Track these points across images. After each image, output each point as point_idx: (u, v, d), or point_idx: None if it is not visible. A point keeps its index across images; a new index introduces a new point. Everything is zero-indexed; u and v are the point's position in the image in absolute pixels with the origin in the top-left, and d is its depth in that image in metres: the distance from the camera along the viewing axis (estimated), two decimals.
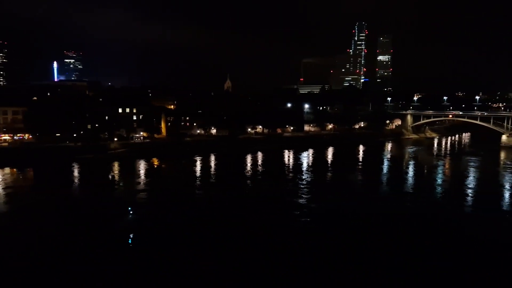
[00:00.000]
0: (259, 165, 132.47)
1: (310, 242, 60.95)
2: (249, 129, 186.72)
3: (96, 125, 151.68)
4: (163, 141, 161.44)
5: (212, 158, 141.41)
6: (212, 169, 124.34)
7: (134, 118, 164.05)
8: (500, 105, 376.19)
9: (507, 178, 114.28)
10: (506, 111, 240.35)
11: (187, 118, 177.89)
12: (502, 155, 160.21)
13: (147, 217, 74.04)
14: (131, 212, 77.09)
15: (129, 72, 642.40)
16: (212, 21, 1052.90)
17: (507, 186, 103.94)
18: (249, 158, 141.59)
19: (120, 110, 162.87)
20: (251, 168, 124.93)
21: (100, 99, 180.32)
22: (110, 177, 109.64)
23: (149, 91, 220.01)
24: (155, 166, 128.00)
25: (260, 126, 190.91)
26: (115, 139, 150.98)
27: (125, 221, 72.54)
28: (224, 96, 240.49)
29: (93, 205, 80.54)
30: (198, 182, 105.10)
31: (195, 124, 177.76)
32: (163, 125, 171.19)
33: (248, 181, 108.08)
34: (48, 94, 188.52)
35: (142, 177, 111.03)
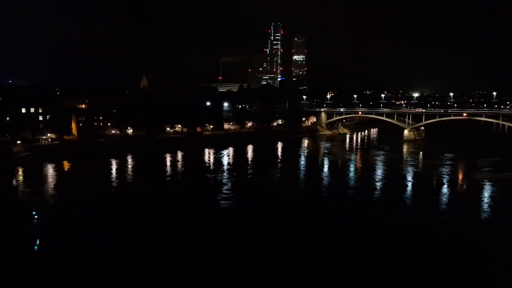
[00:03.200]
0: (179, 165, 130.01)
1: (227, 239, 61.20)
2: (167, 128, 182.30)
3: None
4: (74, 142, 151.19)
5: (129, 159, 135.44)
6: (129, 171, 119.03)
7: (41, 118, 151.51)
8: (402, 102, 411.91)
9: (409, 169, 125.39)
10: (408, 107, 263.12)
11: (101, 117, 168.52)
12: (405, 148, 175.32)
13: (54, 222, 69.60)
14: (36, 217, 71.09)
15: (35, 70, 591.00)
16: (127, 15, 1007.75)
17: (409, 176, 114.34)
18: (168, 158, 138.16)
19: (23, 110, 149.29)
20: (170, 169, 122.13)
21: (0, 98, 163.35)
22: (13, 183, 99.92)
23: (57, 89, 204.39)
24: (65, 170, 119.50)
25: (179, 125, 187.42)
26: (18, 142, 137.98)
27: (31, 227, 67.23)
28: (140, 95, 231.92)
29: None
30: (112, 185, 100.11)
31: (109, 124, 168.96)
32: (73, 125, 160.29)
33: (166, 182, 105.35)
34: None
35: (50, 181, 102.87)
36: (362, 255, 55.67)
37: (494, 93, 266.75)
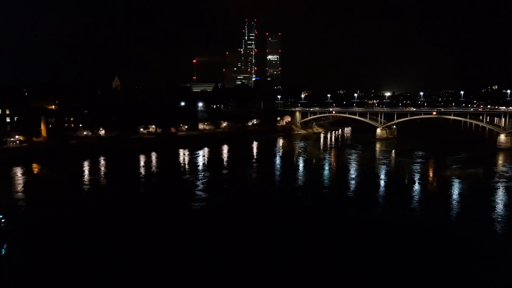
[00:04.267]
0: (153, 166, 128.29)
1: (204, 238, 60.90)
2: (141, 129, 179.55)
3: None
4: (44, 144, 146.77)
5: (101, 161, 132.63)
6: (101, 173, 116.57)
7: (8, 120, 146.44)
8: (375, 101, 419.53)
9: (381, 167, 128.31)
10: (380, 107, 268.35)
11: (72, 119, 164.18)
12: (377, 146, 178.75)
13: (22, 226, 67.69)
14: (3, 221, 68.66)
15: (1, 71, 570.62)
16: (98, 13, 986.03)
17: (381, 175, 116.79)
18: (142, 160, 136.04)
19: None
20: (144, 170, 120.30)
21: None
22: None
23: (25, 89, 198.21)
24: (34, 173, 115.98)
25: (153, 126, 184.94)
26: None
27: None
28: (112, 95, 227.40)
29: None
30: (83, 188, 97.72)
31: (81, 125, 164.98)
32: (43, 127, 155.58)
33: (139, 184, 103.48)
34: None
35: (18, 185, 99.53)
36: (335, 253, 56.37)
37: (462, 92, 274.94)
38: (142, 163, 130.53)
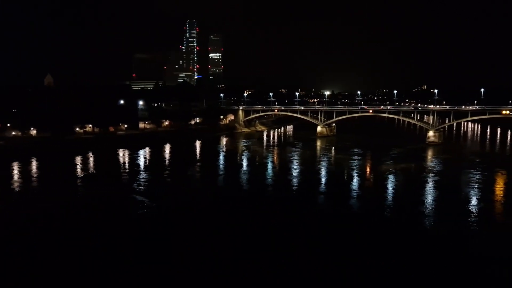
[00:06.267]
0: (89, 167, 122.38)
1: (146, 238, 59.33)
2: (77, 129, 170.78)
3: None
4: None
5: (33, 162, 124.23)
6: (31, 176, 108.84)
7: None
8: (315, 100, 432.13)
9: (322, 164, 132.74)
10: (320, 105, 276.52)
11: None
12: (318, 143, 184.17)
13: None
14: None
15: None
16: (29, 7, 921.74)
17: (322, 171, 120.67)
18: (78, 161, 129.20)
19: None
20: (80, 172, 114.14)
21: None
22: None
23: None
24: None
25: (90, 125, 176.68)
26: None
27: None
28: (44, 92, 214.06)
29: None
30: (10, 192, 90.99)
31: (9, 125, 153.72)
32: None
33: (74, 187, 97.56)
34: None
35: None
36: (274, 250, 57.25)
37: (395, 92, 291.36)
38: (78, 164, 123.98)
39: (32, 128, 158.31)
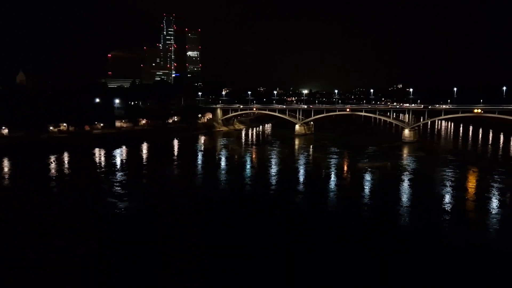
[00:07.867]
0: (64, 167, 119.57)
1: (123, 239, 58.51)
2: (51, 128, 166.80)
3: None
4: None
5: (5, 163, 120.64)
6: (3, 175, 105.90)
7: None
8: (293, 98, 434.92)
9: (300, 162, 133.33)
10: (298, 104, 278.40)
11: None
12: (296, 142, 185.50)
13: None
14: None
15: None
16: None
17: (300, 169, 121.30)
18: (52, 160, 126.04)
19: None
20: (54, 172, 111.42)
21: None
22: None
23: None
24: None
25: (65, 124, 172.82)
26: None
27: None
28: (16, 91, 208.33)
29: None
30: None
31: None
32: None
33: (48, 187, 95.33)
34: None
35: None
36: (252, 247, 57.39)
37: (372, 90, 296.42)
38: (52, 164, 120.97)
39: (3, 127, 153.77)
